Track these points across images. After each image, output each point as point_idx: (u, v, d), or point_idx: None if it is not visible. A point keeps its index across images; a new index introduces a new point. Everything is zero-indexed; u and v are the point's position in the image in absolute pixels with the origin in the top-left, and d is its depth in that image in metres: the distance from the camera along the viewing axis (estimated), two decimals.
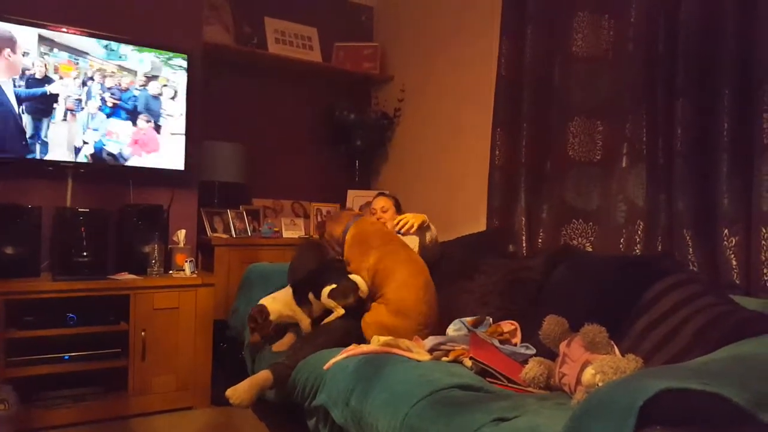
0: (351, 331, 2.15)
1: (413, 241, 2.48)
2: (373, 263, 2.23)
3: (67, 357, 2.49)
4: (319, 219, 3.21)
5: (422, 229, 2.47)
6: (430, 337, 1.98)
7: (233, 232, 3.23)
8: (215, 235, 3.17)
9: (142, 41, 2.80)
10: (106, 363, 2.56)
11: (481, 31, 3.04)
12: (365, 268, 2.24)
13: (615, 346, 1.60)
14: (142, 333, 2.58)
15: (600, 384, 1.38)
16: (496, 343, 1.90)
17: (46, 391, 2.47)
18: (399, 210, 2.72)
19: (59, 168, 2.69)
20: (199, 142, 3.07)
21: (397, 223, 2.43)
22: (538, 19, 2.63)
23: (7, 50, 2.57)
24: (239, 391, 1.93)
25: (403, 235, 2.44)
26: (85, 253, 2.62)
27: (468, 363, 1.80)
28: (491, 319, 2.12)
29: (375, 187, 3.78)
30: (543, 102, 2.62)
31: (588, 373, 1.45)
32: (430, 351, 1.91)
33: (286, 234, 3.41)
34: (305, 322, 2.27)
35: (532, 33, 2.64)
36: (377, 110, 3.80)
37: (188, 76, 2.92)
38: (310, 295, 2.26)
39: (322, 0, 3.80)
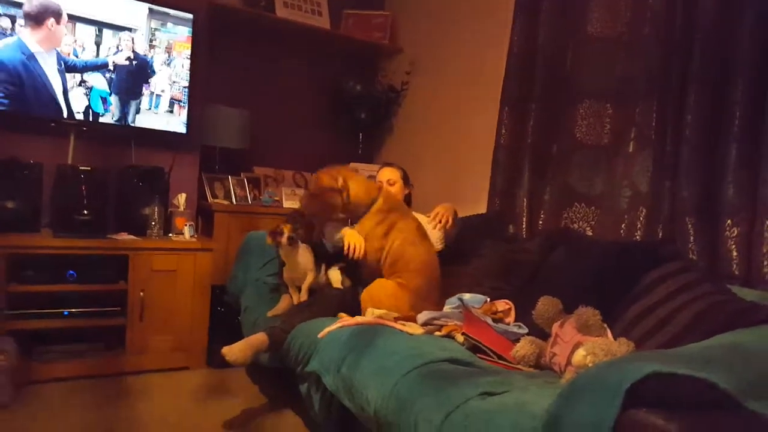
0: (345, 302, 2.16)
1: (436, 234, 2.43)
2: (391, 246, 2.19)
3: (66, 313, 2.52)
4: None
5: (454, 222, 2.42)
6: (424, 312, 1.99)
7: (234, 198, 3.23)
8: (216, 200, 3.17)
9: None
10: (104, 320, 2.58)
11: (494, 7, 2.98)
12: (380, 248, 2.20)
13: (608, 330, 1.61)
14: (141, 293, 2.60)
15: (590, 365, 1.38)
16: (489, 321, 1.91)
17: (45, 345, 2.50)
18: (407, 183, 2.63)
19: (62, 125, 2.68)
20: (202, 105, 3.04)
21: (436, 220, 2.38)
22: None
23: (51, 20, 2.59)
24: (235, 350, 1.95)
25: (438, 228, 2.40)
26: (85, 212, 2.62)
27: (460, 338, 1.82)
28: (488, 298, 2.12)
29: (378, 161, 3.76)
30: (553, 82, 2.58)
31: (579, 354, 1.46)
32: (423, 325, 1.93)
33: (286, 203, 3.41)
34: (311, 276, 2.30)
35: (547, 11, 2.59)
36: (384, 83, 3.75)
37: (193, 37, 2.88)
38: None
39: None
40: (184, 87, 2.91)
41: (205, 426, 2.13)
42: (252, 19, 3.35)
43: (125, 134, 2.86)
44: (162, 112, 2.88)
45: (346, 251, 2.19)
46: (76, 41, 2.67)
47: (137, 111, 2.83)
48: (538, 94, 2.61)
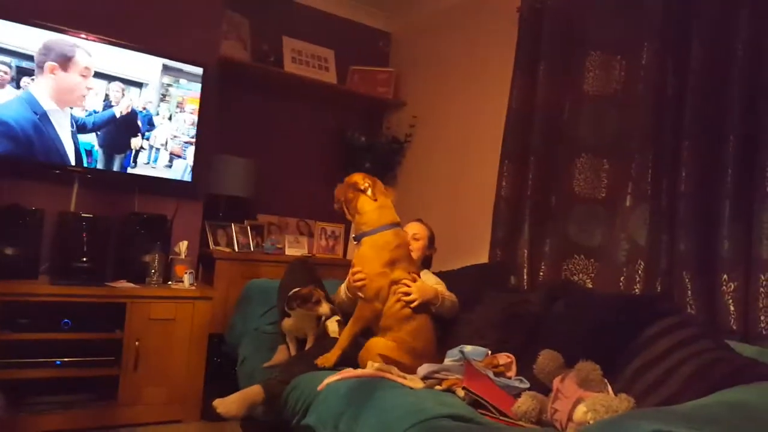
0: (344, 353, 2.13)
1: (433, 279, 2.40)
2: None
3: (59, 362, 2.46)
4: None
5: (431, 304, 2.20)
6: (425, 365, 1.97)
7: (236, 246, 3.24)
8: (217, 248, 3.18)
9: (158, 52, 2.84)
10: (97, 370, 2.53)
11: (495, 64, 3.09)
12: (385, 286, 2.14)
13: (608, 385, 1.60)
14: (136, 343, 2.57)
15: (591, 422, 1.37)
16: (491, 375, 1.89)
17: (35, 395, 2.43)
18: (432, 245, 2.58)
19: (66, 172, 2.69)
20: (209, 155, 3.10)
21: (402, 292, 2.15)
22: (551, 56, 2.67)
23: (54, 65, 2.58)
24: (227, 403, 1.90)
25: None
26: (84, 259, 2.62)
27: (461, 393, 1.79)
28: (489, 351, 2.10)
29: None
30: (552, 137, 2.65)
31: (580, 411, 1.45)
32: (424, 379, 1.91)
33: (288, 251, 3.42)
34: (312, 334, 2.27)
35: (544, 69, 2.68)
36: (388, 135, 3.84)
37: (202, 89, 2.95)
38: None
39: (340, 23, 3.87)
40: (185, 142, 2.94)
41: None
42: (261, 74, 3.46)
43: (129, 182, 2.89)
44: (160, 166, 2.90)
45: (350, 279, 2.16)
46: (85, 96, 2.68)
47: (130, 164, 2.82)
48: (536, 149, 2.67)
